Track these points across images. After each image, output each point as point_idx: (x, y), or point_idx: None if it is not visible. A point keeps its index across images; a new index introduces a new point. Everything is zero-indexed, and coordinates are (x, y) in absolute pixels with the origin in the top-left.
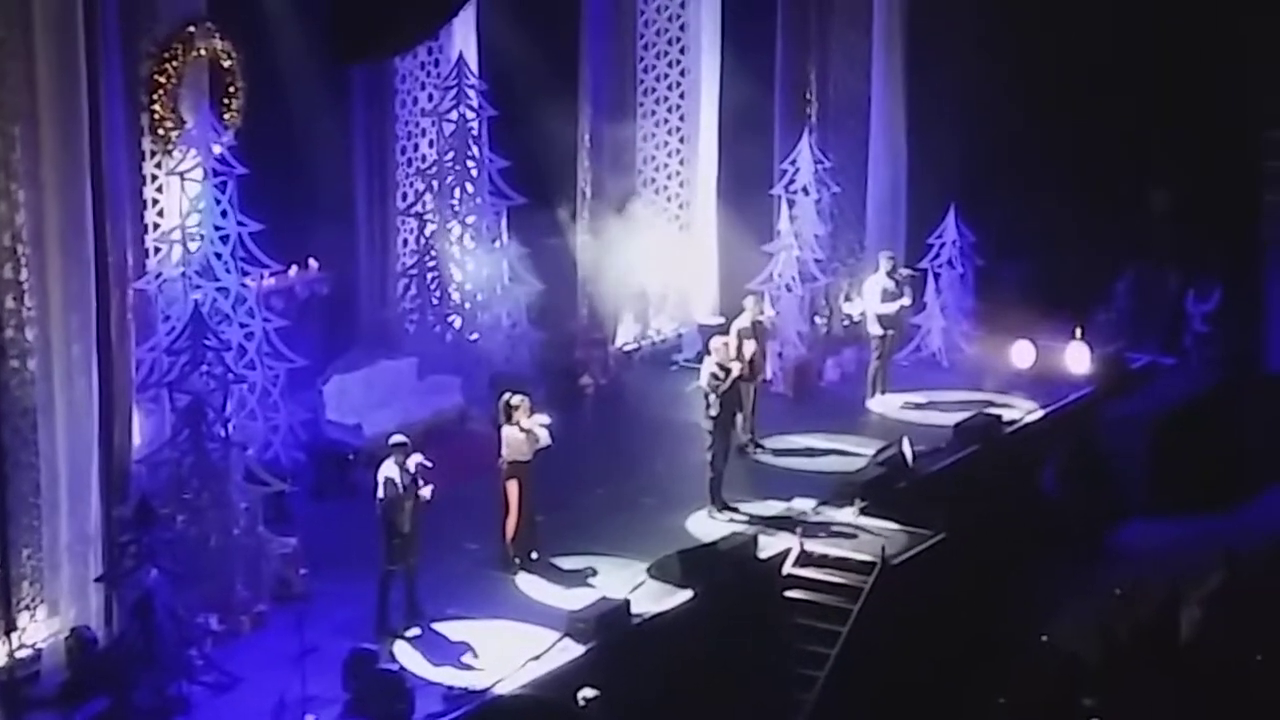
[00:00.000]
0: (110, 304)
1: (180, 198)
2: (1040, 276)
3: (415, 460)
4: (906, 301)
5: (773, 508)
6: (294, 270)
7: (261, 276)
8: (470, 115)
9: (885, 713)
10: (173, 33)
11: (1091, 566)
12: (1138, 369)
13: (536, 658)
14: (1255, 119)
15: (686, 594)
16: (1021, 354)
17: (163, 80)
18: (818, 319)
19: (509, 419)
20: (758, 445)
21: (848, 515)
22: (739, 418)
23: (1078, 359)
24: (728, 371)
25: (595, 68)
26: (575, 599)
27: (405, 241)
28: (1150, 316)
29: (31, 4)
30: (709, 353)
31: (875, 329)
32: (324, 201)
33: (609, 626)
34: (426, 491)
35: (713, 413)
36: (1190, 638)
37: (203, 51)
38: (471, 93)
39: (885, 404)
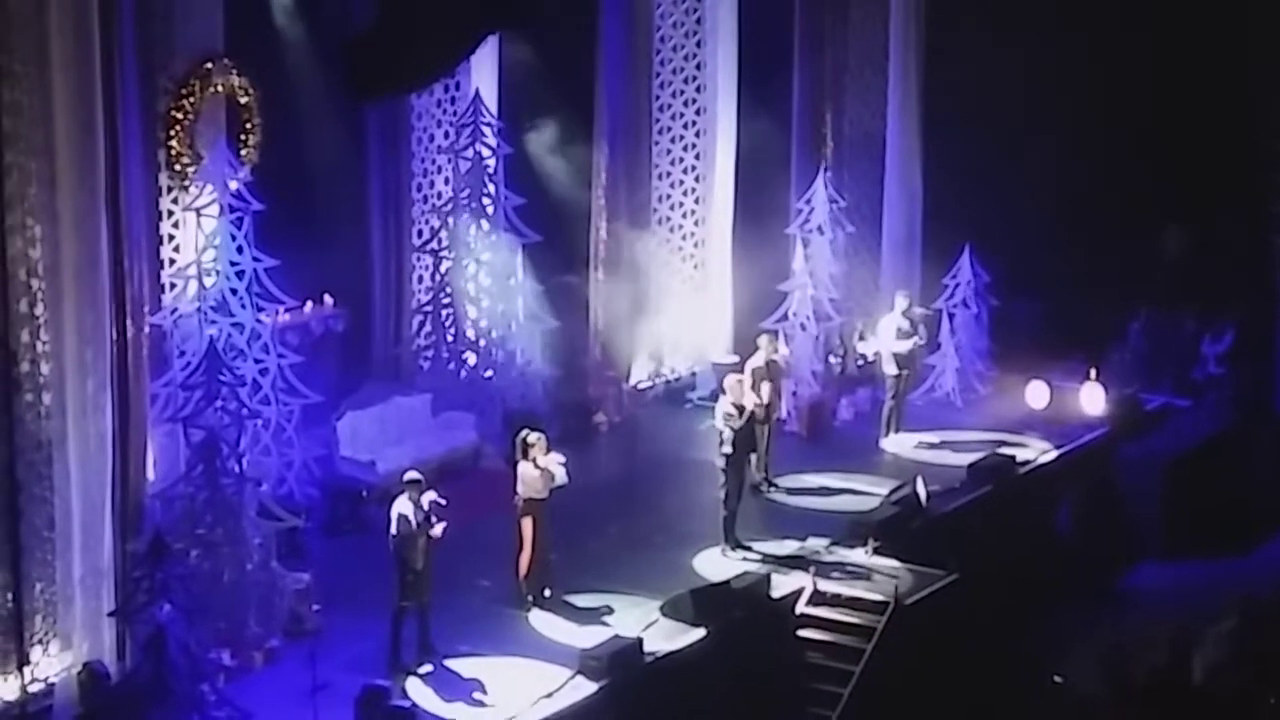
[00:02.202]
0: (126, 339)
1: (196, 233)
2: (1055, 317)
3: (429, 497)
4: (921, 341)
5: (786, 547)
6: (309, 306)
7: (277, 312)
8: (486, 153)
9: None
10: (190, 69)
11: (1105, 608)
12: (1152, 410)
13: (549, 695)
14: (1269, 161)
15: (699, 632)
16: (1036, 394)
17: (180, 116)
18: (832, 358)
19: (525, 456)
20: (771, 484)
21: (861, 555)
22: (753, 456)
23: (1092, 400)
24: (742, 410)
25: (611, 105)
26: (588, 636)
27: (420, 278)
28: (1165, 358)
29: (49, 39)
30: (724, 391)
31: (890, 368)
32: (339, 238)
33: (621, 664)
34: (438, 529)
35: (726, 451)
36: (1204, 680)
37: (220, 88)
38: (487, 130)
39: (899, 443)
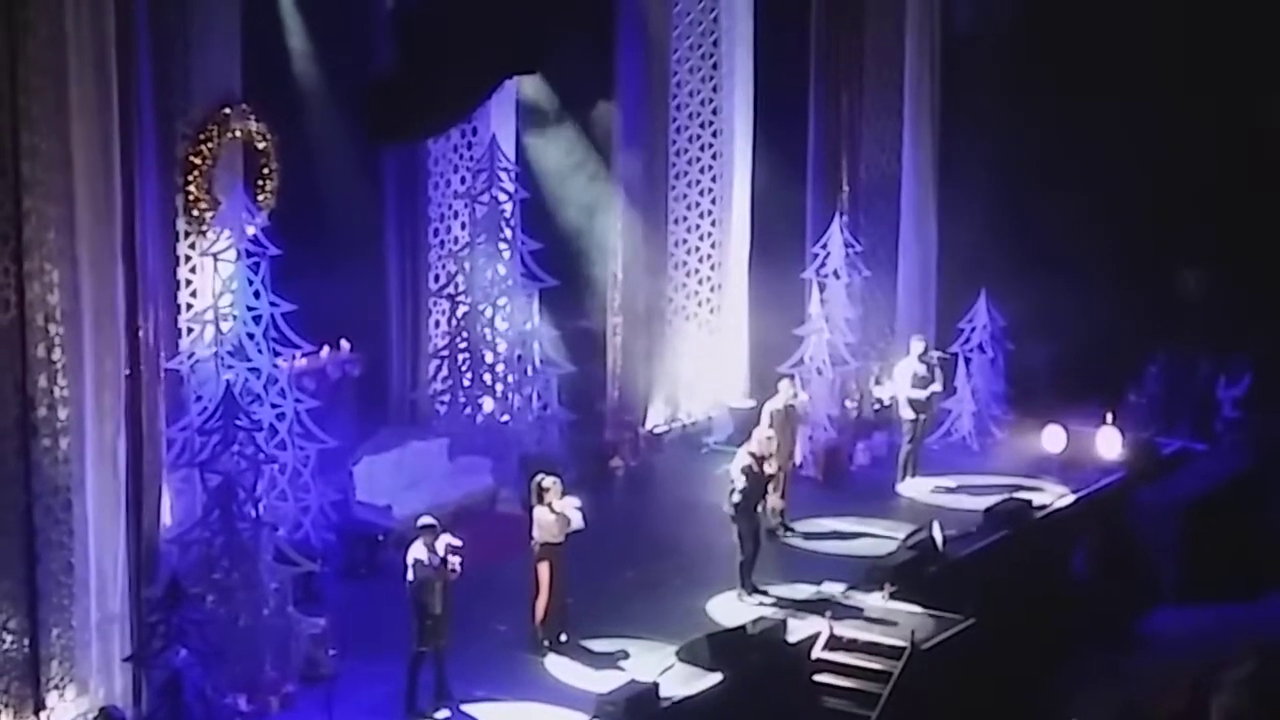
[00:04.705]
0: (142, 383)
1: (213, 278)
2: (1071, 361)
3: (444, 541)
4: (938, 387)
5: (802, 591)
6: (326, 351)
7: (293, 357)
8: (503, 197)
9: None
10: (208, 114)
11: (1123, 652)
12: (1169, 455)
13: None
14: None
15: (715, 677)
16: (1052, 438)
17: (198, 161)
18: (848, 402)
19: (540, 500)
20: (788, 528)
21: (877, 599)
22: (764, 502)
23: (1109, 444)
24: (762, 462)
25: (628, 150)
26: (604, 681)
27: (437, 323)
28: (1181, 402)
29: (68, 85)
30: (748, 439)
31: (907, 413)
32: (356, 282)
33: (638, 709)
34: (455, 565)
35: (736, 500)
36: None
37: (238, 133)
38: (504, 175)
39: (915, 488)
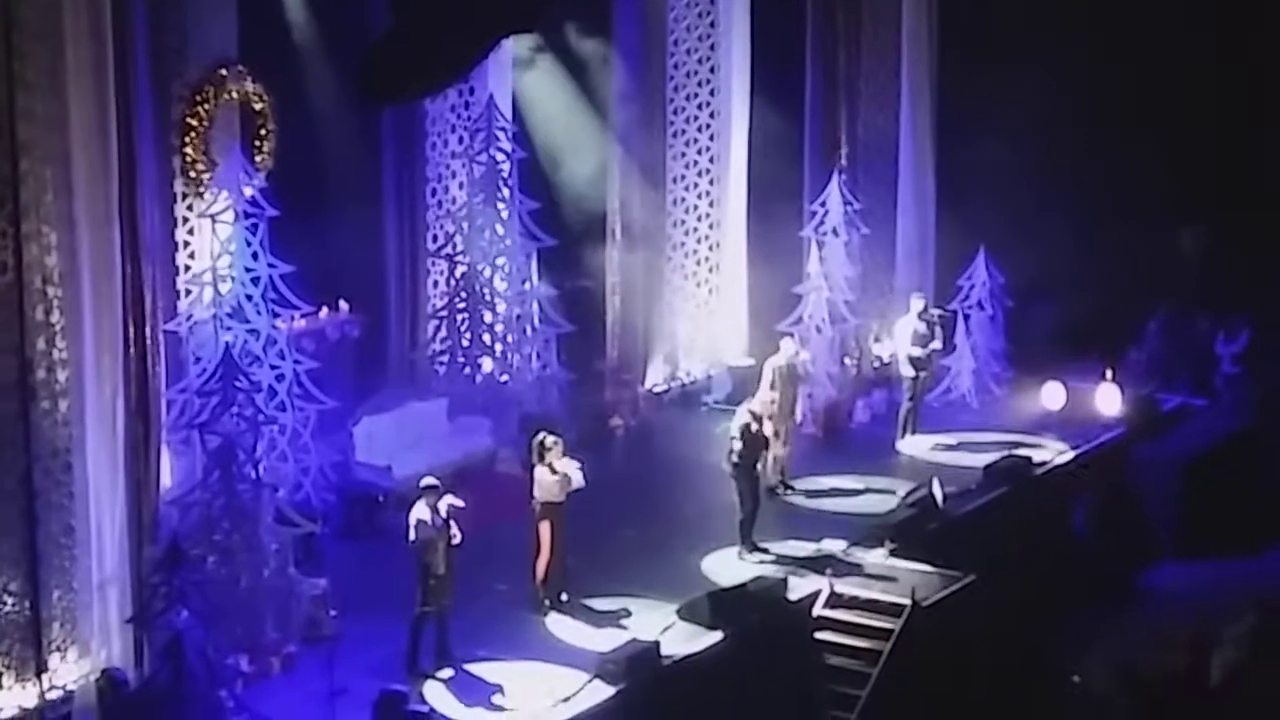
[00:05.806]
0: (142, 346)
1: (211, 240)
2: (1070, 318)
3: (446, 502)
4: (938, 344)
5: (803, 549)
6: (324, 312)
7: (292, 318)
8: (500, 157)
9: None
10: (204, 76)
11: (1122, 608)
12: (1168, 410)
13: (566, 699)
14: None
15: (716, 636)
16: (1052, 395)
17: (194, 123)
18: (847, 360)
19: (541, 460)
20: (788, 486)
21: (878, 557)
22: (763, 460)
23: (1108, 400)
24: (762, 421)
25: (625, 108)
26: (605, 640)
27: (435, 283)
28: (1181, 358)
29: (64, 47)
30: (750, 398)
31: (907, 370)
32: (354, 243)
33: (639, 668)
34: (456, 534)
35: (735, 457)
36: (1222, 680)
37: (234, 94)
38: (502, 135)
39: (915, 445)
